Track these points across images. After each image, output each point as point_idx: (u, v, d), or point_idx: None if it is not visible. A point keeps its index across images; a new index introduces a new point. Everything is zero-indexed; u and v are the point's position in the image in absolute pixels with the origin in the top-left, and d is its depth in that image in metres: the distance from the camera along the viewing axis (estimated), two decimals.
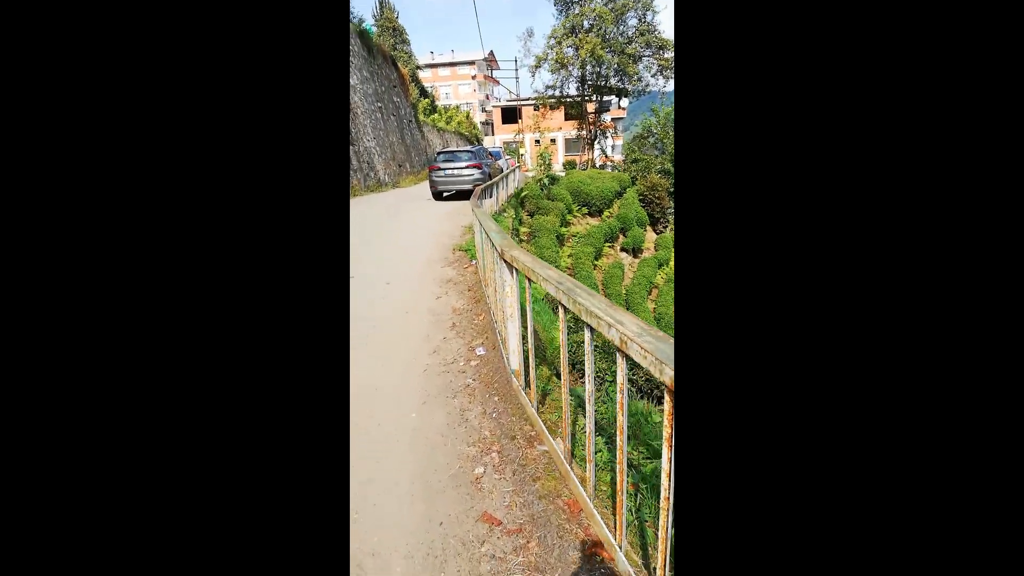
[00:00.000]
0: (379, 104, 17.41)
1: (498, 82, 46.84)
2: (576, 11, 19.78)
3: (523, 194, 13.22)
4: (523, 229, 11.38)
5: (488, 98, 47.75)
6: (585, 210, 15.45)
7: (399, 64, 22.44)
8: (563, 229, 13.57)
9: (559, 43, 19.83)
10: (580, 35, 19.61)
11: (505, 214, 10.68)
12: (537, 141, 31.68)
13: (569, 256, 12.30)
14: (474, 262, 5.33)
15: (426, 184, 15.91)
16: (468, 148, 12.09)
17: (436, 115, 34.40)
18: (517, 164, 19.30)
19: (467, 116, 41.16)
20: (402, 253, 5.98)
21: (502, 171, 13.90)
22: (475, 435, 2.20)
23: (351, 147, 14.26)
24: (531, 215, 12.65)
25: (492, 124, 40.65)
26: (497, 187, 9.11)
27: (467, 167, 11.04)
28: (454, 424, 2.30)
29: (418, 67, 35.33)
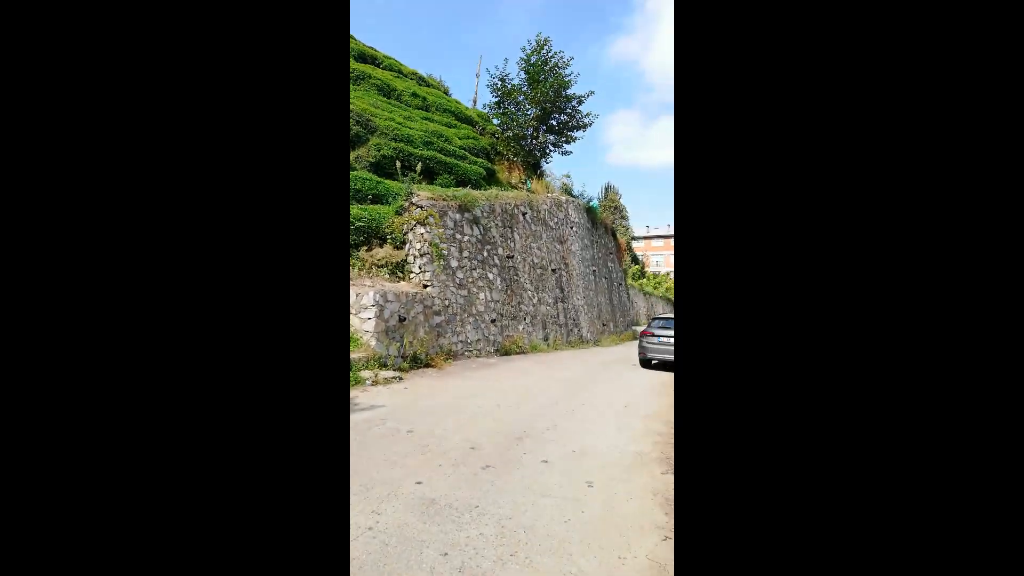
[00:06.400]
0: (594, 268, 18.28)
1: None
2: None
3: None
4: None
5: None
6: None
7: (617, 235, 24.07)
8: None
9: None
10: None
11: None
12: None
13: None
14: None
15: (627, 346, 15.21)
16: None
17: (644, 280, 35.04)
18: None
19: None
20: (605, 438, 4.74)
21: None
22: None
23: (561, 303, 14.73)
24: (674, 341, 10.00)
25: None
26: None
27: None
28: None
29: (633, 238, 37.82)
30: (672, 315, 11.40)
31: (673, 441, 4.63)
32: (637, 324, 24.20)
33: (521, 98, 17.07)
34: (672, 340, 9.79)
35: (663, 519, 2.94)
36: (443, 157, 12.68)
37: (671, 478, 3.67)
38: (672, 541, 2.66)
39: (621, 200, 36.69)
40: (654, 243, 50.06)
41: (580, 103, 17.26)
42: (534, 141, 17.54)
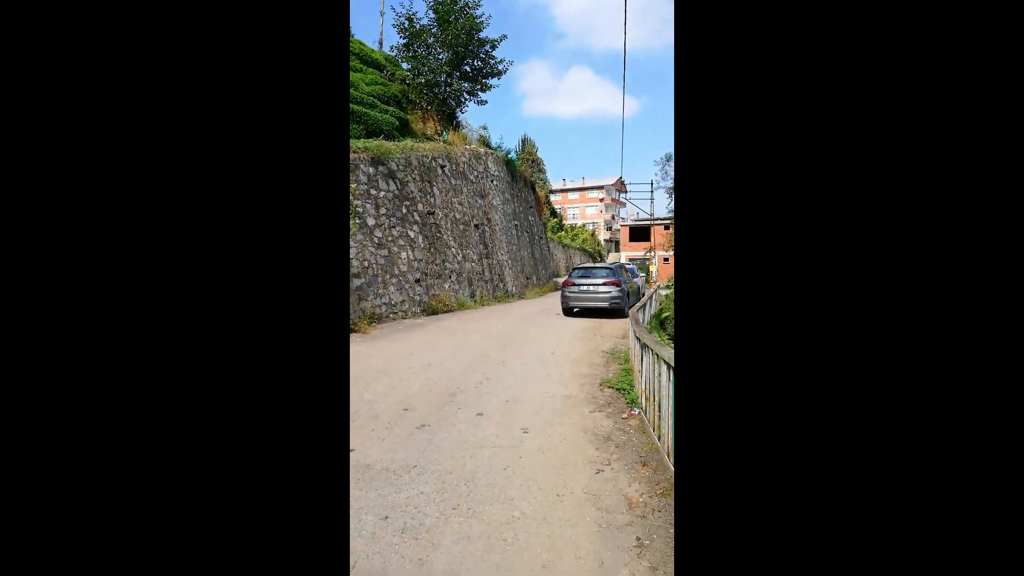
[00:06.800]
0: (515, 222, 18.33)
1: (624, 204, 48.54)
2: None
3: (664, 315, 11.78)
4: None
5: (614, 218, 49.35)
6: None
7: (536, 188, 24.19)
8: None
9: None
10: None
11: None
12: (666, 259, 30.63)
13: None
14: (636, 410, 3.99)
15: (551, 297, 15.78)
16: (607, 265, 11.38)
17: (562, 232, 36.08)
18: (656, 283, 18.13)
19: (592, 234, 42.58)
20: (536, 385, 4.90)
21: (638, 288, 12.81)
22: None
23: (486, 259, 14.69)
24: (674, 339, 11.05)
25: (617, 242, 41.25)
26: (646, 308, 7.98)
27: (604, 284, 10.20)
28: None
29: (551, 191, 38.32)
30: (590, 265, 11.92)
31: (599, 382, 4.93)
32: (558, 276, 25.06)
33: (431, 40, 15.86)
34: (591, 288, 10.30)
35: (594, 454, 3.14)
36: (350, 105, 11.55)
37: (599, 415, 3.92)
38: (604, 473, 2.85)
39: (538, 153, 36.70)
40: (570, 196, 51.27)
41: (493, 48, 16.48)
42: (448, 88, 16.58)
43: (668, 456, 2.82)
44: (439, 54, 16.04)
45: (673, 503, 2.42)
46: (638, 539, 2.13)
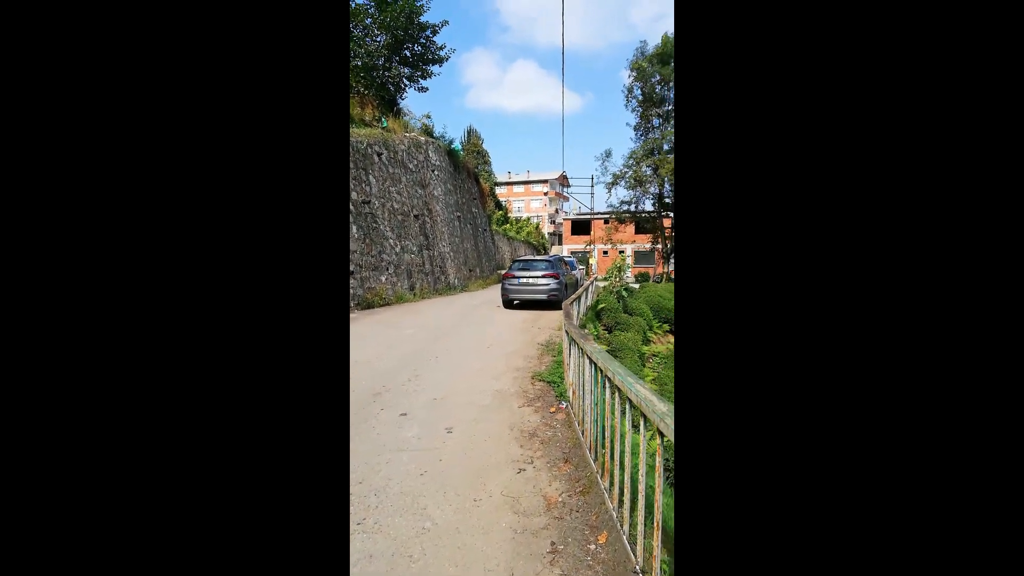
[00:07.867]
0: (458, 213, 18.00)
1: (567, 198, 49.44)
2: (656, 135, 20.37)
3: (600, 306, 12.06)
4: (603, 347, 10.03)
5: (558, 212, 50.09)
6: (667, 327, 13.81)
7: (480, 180, 23.93)
8: (645, 348, 11.96)
9: (638, 163, 20.21)
10: (660, 155, 19.92)
11: (584, 329, 9.44)
12: (605, 252, 31.59)
13: (653, 380, 10.52)
14: (563, 404, 3.94)
15: (493, 290, 15.70)
16: (546, 257, 11.44)
17: (507, 225, 36.09)
18: (594, 275, 18.58)
19: (536, 227, 42.97)
20: (468, 381, 4.75)
21: (576, 280, 13.02)
22: None
23: (427, 251, 14.29)
24: (609, 330, 11.31)
25: (560, 235, 41.93)
26: (580, 300, 8.07)
27: (543, 276, 10.25)
28: None
29: (496, 183, 38.14)
30: (530, 257, 11.96)
31: (531, 375, 4.87)
32: (502, 268, 25.01)
33: (368, 21, 15.04)
34: (530, 280, 10.32)
35: (518, 452, 3.04)
36: None
37: (527, 410, 3.84)
38: (525, 472, 2.76)
39: (484, 145, 36.34)
40: (515, 189, 51.36)
41: (435, 33, 15.94)
42: (387, 73, 15.85)
43: (589, 451, 2.78)
44: (376, 36, 15.26)
45: (591, 502, 2.36)
46: (552, 544, 2.04)
